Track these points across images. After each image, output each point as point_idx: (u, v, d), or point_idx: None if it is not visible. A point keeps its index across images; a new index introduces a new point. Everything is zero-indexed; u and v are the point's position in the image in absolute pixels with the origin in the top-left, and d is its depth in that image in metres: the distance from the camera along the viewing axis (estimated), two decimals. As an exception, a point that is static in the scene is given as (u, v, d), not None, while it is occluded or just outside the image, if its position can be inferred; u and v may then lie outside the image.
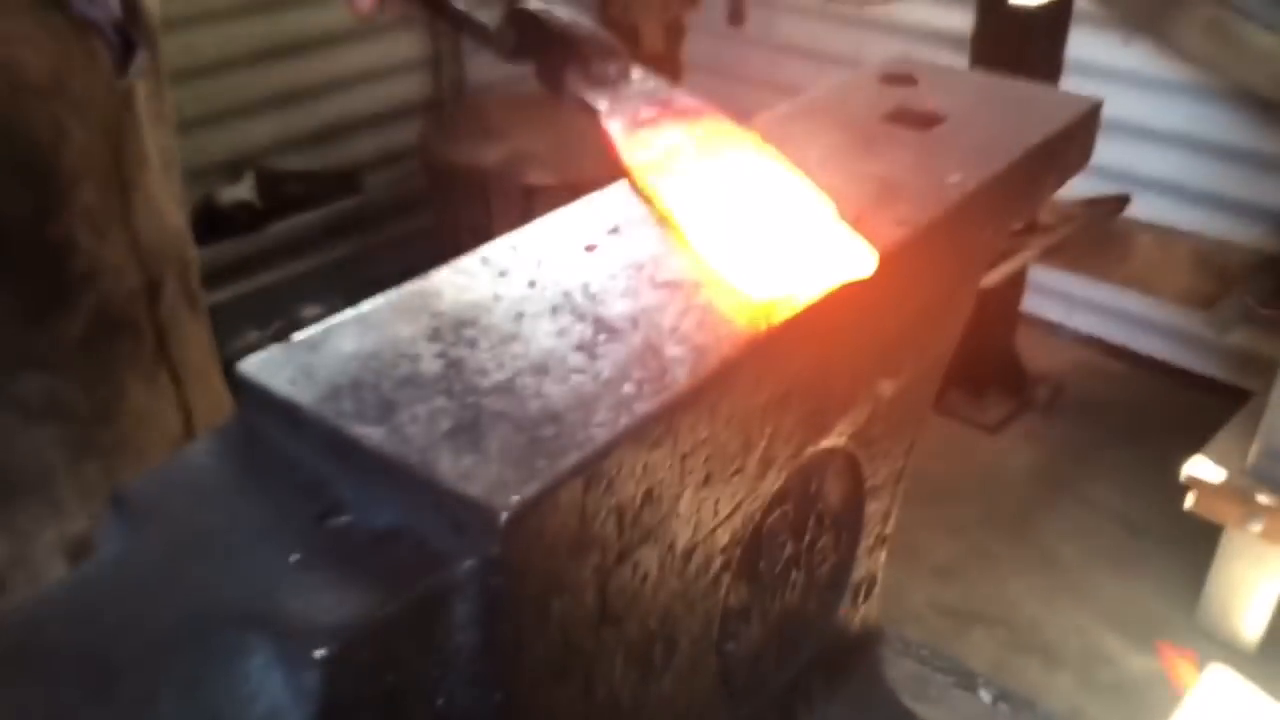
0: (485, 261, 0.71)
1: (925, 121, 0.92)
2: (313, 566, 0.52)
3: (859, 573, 0.96)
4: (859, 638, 1.01)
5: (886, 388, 0.85)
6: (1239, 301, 2.76)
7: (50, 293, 1.02)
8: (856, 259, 0.68)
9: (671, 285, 0.68)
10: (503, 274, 0.69)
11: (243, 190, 3.35)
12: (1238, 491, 2.33)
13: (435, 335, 0.63)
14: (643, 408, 0.57)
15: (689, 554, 0.67)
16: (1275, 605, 2.44)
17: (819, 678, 0.95)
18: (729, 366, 0.62)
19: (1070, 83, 2.95)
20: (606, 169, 0.80)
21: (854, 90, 0.99)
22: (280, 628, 0.48)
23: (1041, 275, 3.40)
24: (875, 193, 0.79)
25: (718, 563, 0.71)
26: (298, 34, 3.41)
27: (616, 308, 0.66)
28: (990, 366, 3.25)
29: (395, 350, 0.62)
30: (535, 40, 0.87)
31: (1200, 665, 2.45)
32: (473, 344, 0.62)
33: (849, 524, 0.91)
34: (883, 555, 1.00)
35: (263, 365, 0.60)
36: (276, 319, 3.37)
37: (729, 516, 0.70)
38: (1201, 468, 2.38)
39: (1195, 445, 2.45)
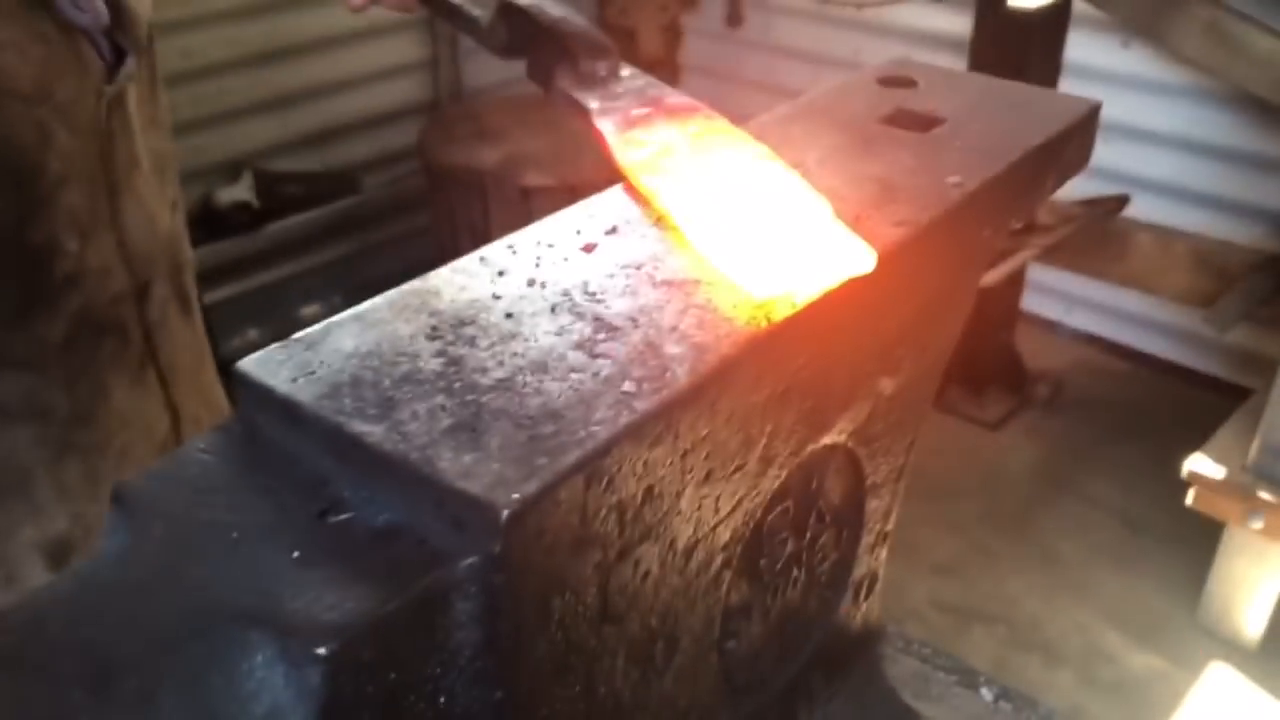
0: (484, 261, 0.71)
1: (924, 123, 0.92)
2: (313, 564, 0.52)
3: (860, 570, 0.96)
4: (860, 636, 1.01)
5: (887, 385, 0.85)
6: (1238, 300, 2.77)
7: (32, 295, 1.02)
8: (855, 256, 0.68)
9: (671, 284, 0.68)
10: (502, 273, 0.69)
11: (241, 191, 3.36)
12: (1238, 488, 2.33)
13: (435, 334, 0.63)
14: (643, 405, 0.57)
15: (690, 551, 0.67)
16: (1276, 602, 2.44)
17: (820, 675, 0.95)
18: (729, 364, 0.62)
19: (1069, 85, 2.96)
20: (604, 170, 0.80)
21: (853, 92, 0.99)
22: (281, 625, 0.49)
23: (1041, 274, 3.40)
24: (875, 194, 0.79)
25: (719, 560, 0.72)
26: (296, 36, 3.41)
27: (616, 306, 0.66)
28: (990, 364, 3.26)
29: (395, 348, 0.62)
30: (526, 36, 0.87)
31: (1201, 662, 2.45)
32: (472, 342, 0.62)
33: (850, 521, 0.91)
34: (884, 553, 1.00)
35: (262, 364, 0.60)
36: (275, 319, 3.37)
37: (730, 514, 0.70)
38: (1202, 465, 2.39)
39: (1196, 442, 2.45)
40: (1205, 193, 3.18)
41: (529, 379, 0.59)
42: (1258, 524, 2.33)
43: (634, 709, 0.68)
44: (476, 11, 0.93)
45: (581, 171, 2.93)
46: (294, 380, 0.59)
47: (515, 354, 0.61)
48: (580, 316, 0.65)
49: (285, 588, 0.50)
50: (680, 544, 0.66)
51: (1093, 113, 0.97)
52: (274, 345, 0.62)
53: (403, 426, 0.55)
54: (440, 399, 0.57)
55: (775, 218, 0.70)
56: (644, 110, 0.80)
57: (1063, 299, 3.58)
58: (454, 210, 3.29)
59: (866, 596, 0.99)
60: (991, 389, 3.30)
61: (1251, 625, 2.48)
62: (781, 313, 0.65)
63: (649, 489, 0.59)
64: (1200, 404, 3.05)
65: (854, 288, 0.68)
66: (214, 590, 0.51)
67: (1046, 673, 2.47)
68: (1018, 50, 2.82)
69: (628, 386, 0.59)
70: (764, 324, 0.65)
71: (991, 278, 2.68)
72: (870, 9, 3.66)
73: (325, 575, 0.51)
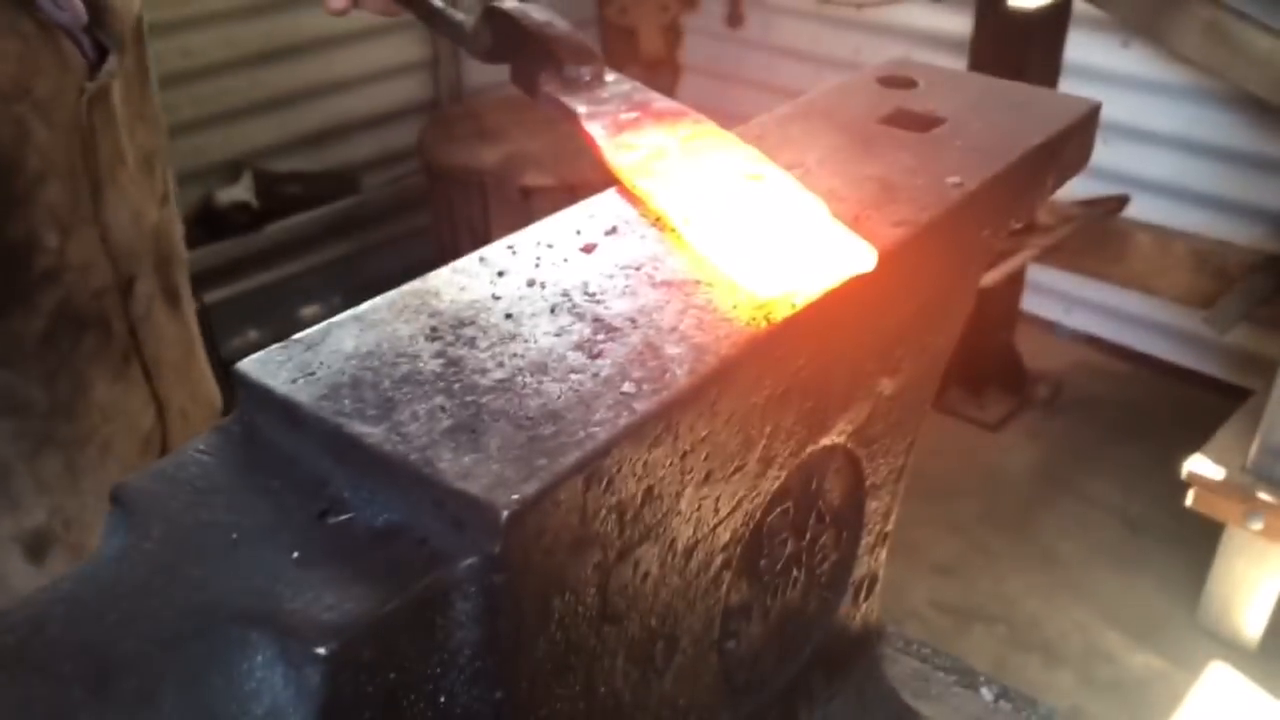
0: (484, 261, 0.71)
1: (924, 123, 0.92)
2: (313, 564, 0.52)
3: (860, 571, 0.96)
4: (860, 636, 1.01)
5: (886, 386, 0.85)
6: (1238, 300, 2.77)
7: (10, 290, 1.02)
8: (856, 255, 0.68)
9: (670, 284, 0.68)
10: (501, 274, 0.69)
11: (241, 191, 3.36)
12: (1238, 489, 2.34)
13: (434, 334, 0.63)
14: (642, 406, 0.57)
15: (690, 552, 0.67)
16: (1276, 603, 2.45)
17: (820, 676, 0.95)
18: (728, 365, 0.62)
19: (1069, 85, 2.96)
20: (603, 171, 0.80)
21: (853, 92, 0.99)
22: (281, 625, 0.49)
23: (1041, 274, 3.40)
24: (874, 194, 0.79)
25: (719, 561, 0.72)
26: (296, 36, 3.41)
27: (615, 307, 0.66)
28: (990, 365, 3.26)
29: (394, 349, 0.62)
30: (511, 41, 0.87)
31: (1201, 663, 2.45)
32: (472, 343, 0.62)
33: (850, 522, 0.91)
34: (883, 553, 1.00)
35: (262, 364, 0.60)
36: (275, 319, 3.37)
37: (730, 514, 0.70)
38: (1202, 465, 2.39)
39: (1195, 443, 2.46)
40: (1205, 193, 3.19)
41: (529, 380, 0.59)
42: (1257, 525, 2.33)
43: (634, 709, 0.68)
44: (460, 16, 0.93)
45: (581, 171, 2.93)
46: (294, 381, 0.59)
47: (515, 354, 0.61)
48: (580, 317, 0.65)
49: (285, 588, 0.50)
50: (680, 544, 0.66)
51: (1093, 113, 0.97)
52: (274, 346, 0.62)
53: (402, 427, 0.55)
54: (440, 400, 0.57)
55: (772, 218, 0.70)
56: (632, 114, 0.80)
57: (1062, 299, 3.58)
58: (454, 210, 3.29)
59: (866, 597, 0.99)
60: (991, 389, 3.31)
61: (1251, 625, 2.49)
62: (781, 313, 0.65)
63: (649, 490, 0.59)
64: (1200, 404, 3.05)
65: (854, 288, 0.68)
66: (214, 590, 0.51)
67: (1046, 673, 2.48)
68: (1018, 50, 2.82)
69: (627, 387, 0.59)
70: (764, 324, 0.65)
71: (991, 278, 2.69)
72: (870, 9, 3.67)
73: (325, 575, 0.51)
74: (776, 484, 0.75)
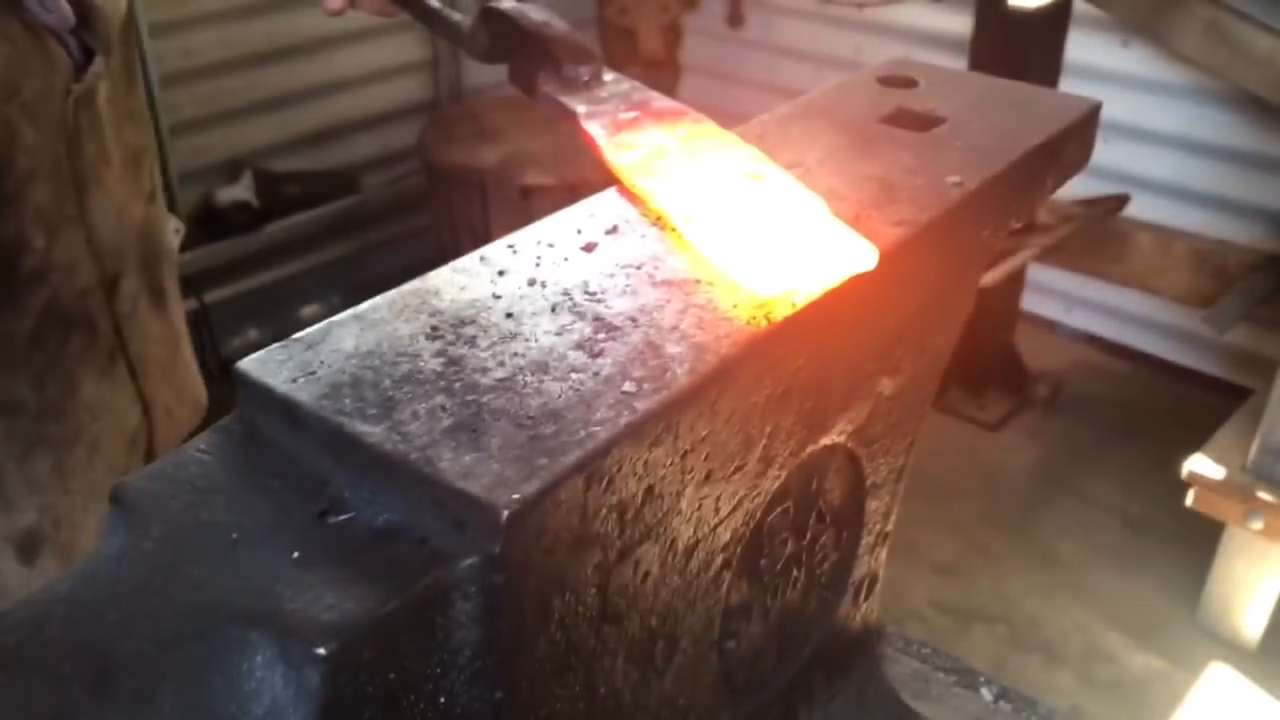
0: (484, 260, 0.71)
1: (924, 123, 0.92)
2: (313, 564, 0.52)
3: (860, 571, 0.96)
4: (860, 636, 1.01)
5: (886, 386, 0.85)
6: (1237, 300, 2.77)
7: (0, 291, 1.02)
8: (856, 254, 0.68)
9: (671, 284, 0.68)
10: (502, 273, 0.69)
11: (241, 191, 3.36)
12: (1238, 489, 2.33)
13: (435, 333, 0.63)
14: (643, 405, 0.57)
15: (690, 552, 0.67)
16: (1276, 602, 2.45)
17: (820, 676, 0.95)
18: (729, 364, 0.62)
19: (1069, 85, 2.96)
20: (603, 170, 0.80)
21: (853, 92, 0.99)
22: (281, 625, 0.49)
23: (1041, 274, 3.40)
24: (874, 193, 0.79)
25: (719, 560, 0.72)
26: (296, 36, 3.41)
27: (616, 306, 0.66)
28: (990, 364, 3.26)
29: (395, 348, 0.62)
30: (508, 41, 0.86)
31: (1201, 663, 2.45)
32: (472, 342, 0.62)
33: (850, 522, 0.91)
34: (883, 553, 1.00)
35: (262, 363, 0.60)
36: (275, 319, 3.37)
37: (730, 514, 0.70)
38: (1202, 465, 2.39)
39: (1195, 443, 2.46)
40: (1205, 192, 3.19)
41: (529, 379, 0.59)
42: (1257, 524, 2.33)
43: (634, 709, 0.68)
44: (457, 16, 0.93)
45: (581, 171, 2.93)
46: (294, 380, 0.59)
47: (515, 354, 0.61)
48: (580, 316, 0.65)
49: (285, 588, 0.50)
50: (680, 544, 0.66)
51: (1093, 112, 0.97)
52: (274, 345, 0.62)
53: (403, 426, 0.55)
54: (440, 399, 0.57)
55: (773, 217, 0.70)
56: (632, 114, 0.80)
57: (1062, 299, 3.58)
58: (454, 210, 3.29)
59: (866, 597, 0.99)
60: (991, 389, 3.31)
61: (1251, 625, 2.49)
62: (782, 312, 0.65)
63: (649, 489, 0.59)
64: (1200, 404, 3.05)
65: (854, 287, 0.68)
66: (214, 590, 0.51)
67: (1046, 673, 2.47)
68: (1018, 50, 2.82)
69: (628, 386, 0.59)
70: (764, 323, 0.65)
71: (991, 277, 2.69)
72: (870, 9, 3.67)
73: (325, 575, 0.51)
74: (777, 484, 0.75)
